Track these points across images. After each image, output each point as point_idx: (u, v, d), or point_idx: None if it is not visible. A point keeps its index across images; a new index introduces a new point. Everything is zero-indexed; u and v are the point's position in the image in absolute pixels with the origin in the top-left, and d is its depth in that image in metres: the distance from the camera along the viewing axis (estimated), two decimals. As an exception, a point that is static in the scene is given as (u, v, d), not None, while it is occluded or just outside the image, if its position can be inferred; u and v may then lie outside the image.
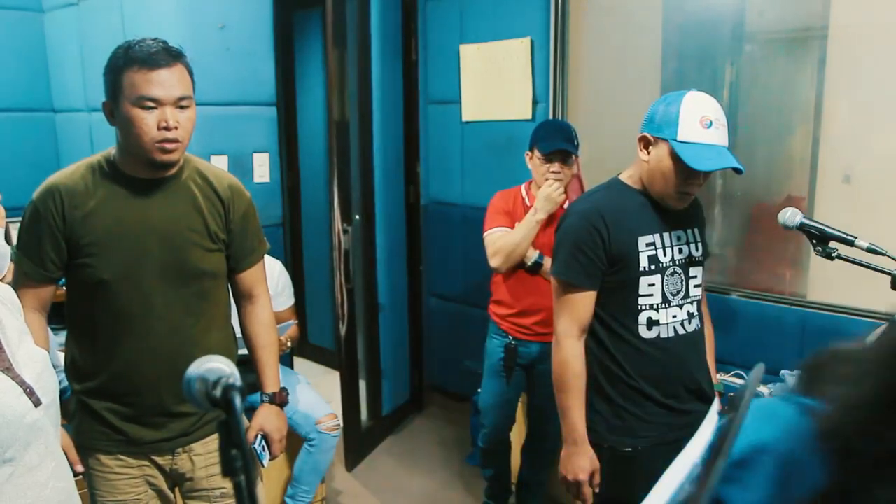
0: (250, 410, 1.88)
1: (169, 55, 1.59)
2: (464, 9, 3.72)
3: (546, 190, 2.58)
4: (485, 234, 2.70)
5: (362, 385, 3.68)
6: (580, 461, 1.83)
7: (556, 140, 2.59)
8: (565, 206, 2.63)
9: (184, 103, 1.60)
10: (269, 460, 1.91)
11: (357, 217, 3.53)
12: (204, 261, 1.74)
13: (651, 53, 3.21)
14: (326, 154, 4.03)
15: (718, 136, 1.71)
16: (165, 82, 1.56)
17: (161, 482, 1.79)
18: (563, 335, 1.84)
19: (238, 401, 0.87)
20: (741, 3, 2.93)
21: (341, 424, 3.11)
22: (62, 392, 1.50)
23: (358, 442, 3.56)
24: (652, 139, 1.75)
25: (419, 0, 3.88)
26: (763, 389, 2.57)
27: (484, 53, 3.63)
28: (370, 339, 3.79)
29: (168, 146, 1.59)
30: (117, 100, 1.58)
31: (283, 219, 3.68)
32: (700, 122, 1.68)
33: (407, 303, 4.08)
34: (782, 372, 2.68)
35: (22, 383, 1.20)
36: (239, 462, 0.81)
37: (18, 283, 1.66)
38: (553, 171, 2.59)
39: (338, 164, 3.27)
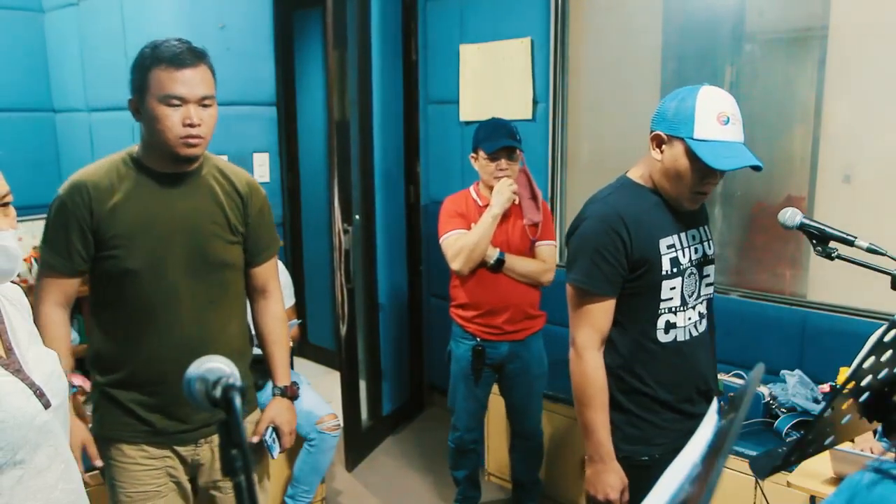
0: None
1: (194, 55, 1.65)
2: (464, 9, 3.72)
3: (499, 186, 2.61)
4: (441, 240, 2.71)
5: (362, 385, 3.68)
6: (609, 478, 1.75)
7: (499, 138, 2.63)
8: (516, 201, 2.67)
9: (206, 102, 1.67)
10: (279, 452, 1.96)
11: (357, 217, 3.54)
12: (226, 252, 1.80)
13: (651, 53, 3.21)
14: (326, 154, 4.03)
15: (735, 132, 1.63)
16: (190, 81, 1.62)
17: (180, 473, 1.82)
18: (582, 347, 1.74)
19: (238, 401, 0.87)
20: (741, 3, 2.94)
21: (341, 424, 3.12)
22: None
23: (358, 442, 3.56)
24: (665, 138, 1.67)
25: (419, 0, 3.88)
26: (763, 389, 2.57)
27: (484, 53, 3.63)
28: (370, 339, 3.79)
29: (192, 141, 1.65)
30: (143, 96, 1.64)
31: (283, 219, 3.68)
32: (717, 119, 1.61)
33: (407, 303, 4.08)
34: (782, 372, 2.68)
35: (32, 385, 1.20)
36: (239, 462, 0.81)
37: (44, 277, 1.72)
38: (501, 169, 2.64)
39: (338, 164, 3.27)
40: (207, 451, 1.83)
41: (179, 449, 1.80)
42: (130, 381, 1.75)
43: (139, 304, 1.72)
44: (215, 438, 1.81)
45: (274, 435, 1.94)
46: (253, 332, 2.02)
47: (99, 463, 1.74)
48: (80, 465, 1.71)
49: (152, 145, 1.69)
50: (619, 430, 1.79)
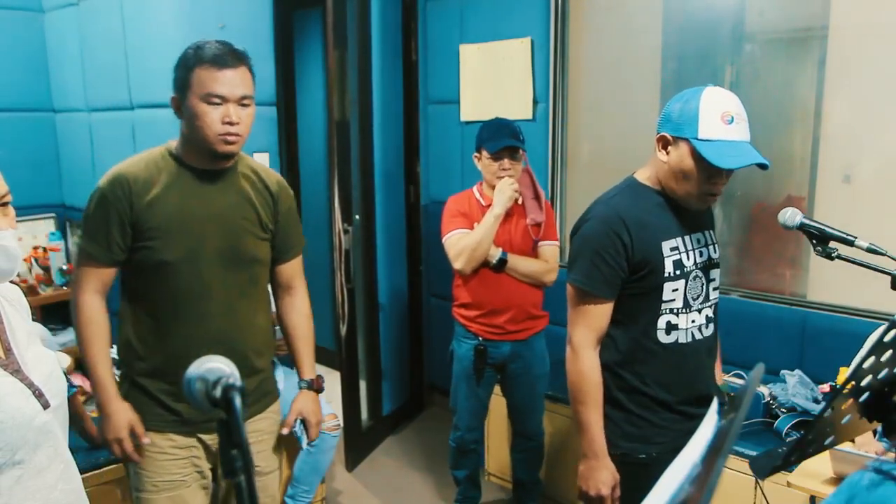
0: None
1: (235, 57, 1.72)
2: (464, 9, 3.72)
3: (500, 186, 2.62)
4: (444, 239, 2.71)
5: (362, 385, 3.68)
6: (601, 475, 1.77)
7: (501, 138, 2.64)
8: (519, 201, 2.68)
9: (245, 102, 1.73)
10: (308, 443, 2.08)
11: (357, 217, 3.54)
12: (256, 248, 1.87)
13: (651, 53, 3.21)
14: (326, 154, 4.03)
15: (740, 131, 1.63)
16: (230, 81, 1.70)
17: (203, 463, 1.87)
18: (579, 346, 1.77)
19: (238, 401, 0.87)
20: (741, 3, 2.94)
21: (341, 424, 3.12)
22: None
23: (358, 442, 3.56)
24: (671, 139, 1.68)
25: (419, 0, 3.88)
26: (763, 389, 2.57)
27: (484, 53, 3.63)
28: (370, 339, 3.79)
29: (230, 139, 1.72)
30: (185, 94, 1.71)
31: (284, 219, 3.67)
32: (721, 119, 1.62)
33: (407, 303, 4.08)
34: (782, 372, 2.68)
35: (31, 385, 1.21)
36: (239, 462, 0.81)
37: (82, 266, 1.78)
38: (504, 169, 2.65)
39: (338, 164, 3.27)
40: None
41: (205, 437, 1.84)
42: (160, 371, 1.80)
43: (172, 295, 1.78)
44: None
45: (302, 426, 2.03)
46: (276, 326, 2.08)
47: (147, 440, 1.78)
48: (130, 444, 1.77)
49: (191, 142, 1.75)
50: (618, 428, 1.81)
